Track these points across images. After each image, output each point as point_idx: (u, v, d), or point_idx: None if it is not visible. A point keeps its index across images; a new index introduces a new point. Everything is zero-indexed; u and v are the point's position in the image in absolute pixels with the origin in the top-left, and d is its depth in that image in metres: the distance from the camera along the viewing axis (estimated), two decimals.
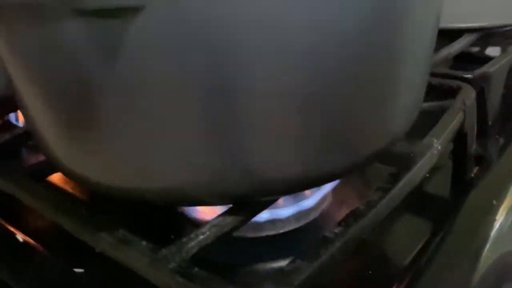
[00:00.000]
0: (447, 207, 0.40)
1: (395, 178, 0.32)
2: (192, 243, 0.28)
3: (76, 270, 0.36)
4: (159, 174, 0.27)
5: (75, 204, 0.33)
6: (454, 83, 0.44)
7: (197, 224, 0.37)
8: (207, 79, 0.23)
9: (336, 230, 0.28)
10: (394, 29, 0.26)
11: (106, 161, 0.27)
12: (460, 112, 0.40)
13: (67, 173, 0.31)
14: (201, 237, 0.29)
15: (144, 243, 0.29)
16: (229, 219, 0.30)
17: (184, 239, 0.28)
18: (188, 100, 0.24)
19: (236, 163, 0.26)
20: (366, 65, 0.26)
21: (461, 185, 0.42)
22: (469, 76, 0.48)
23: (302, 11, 0.22)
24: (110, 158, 0.27)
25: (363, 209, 0.30)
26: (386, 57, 0.27)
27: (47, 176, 0.38)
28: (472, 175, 0.43)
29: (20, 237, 0.40)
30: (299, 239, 0.37)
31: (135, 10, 0.21)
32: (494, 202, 0.39)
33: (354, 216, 0.29)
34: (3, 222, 0.40)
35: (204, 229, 0.29)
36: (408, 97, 0.31)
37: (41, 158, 0.38)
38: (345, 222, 0.29)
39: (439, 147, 0.36)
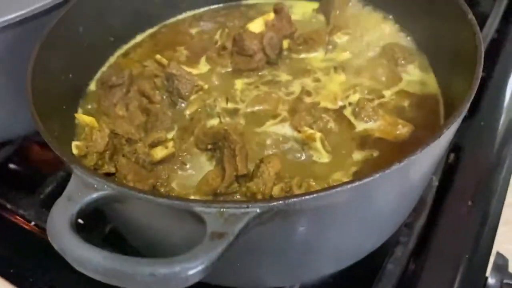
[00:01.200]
0: None
1: (410, 230, 0.43)
2: None
3: None
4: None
5: None
6: None
7: None
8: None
9: None
10: None
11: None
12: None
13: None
14: None
15: None
16: None
17: None
18: None
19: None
20: None
21: None
22: None
23: None
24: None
25: (393, 268, 0.40)
26: None
27: None
28: None
29: None
30: None
31: None
32: None
33: (386, 276, 0.40)
34: None
35: None
36: None
37: None
38: (381, 284, 0.40)
39: (437, 183, 0.46)
